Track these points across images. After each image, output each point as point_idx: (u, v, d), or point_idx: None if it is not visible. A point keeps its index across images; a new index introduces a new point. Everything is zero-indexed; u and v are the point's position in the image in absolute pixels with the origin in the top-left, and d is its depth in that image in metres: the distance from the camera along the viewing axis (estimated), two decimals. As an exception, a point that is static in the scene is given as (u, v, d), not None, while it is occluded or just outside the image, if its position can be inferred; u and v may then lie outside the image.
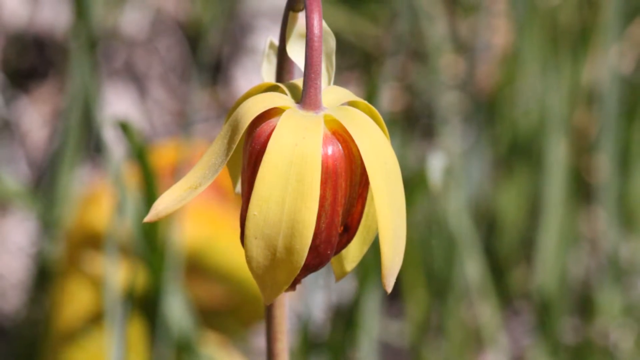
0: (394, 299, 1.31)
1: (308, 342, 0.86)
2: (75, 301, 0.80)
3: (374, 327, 0.89)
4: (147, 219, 0.21)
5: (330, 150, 0.22)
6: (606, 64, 1.05)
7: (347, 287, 0.97)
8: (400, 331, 1.18)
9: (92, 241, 0.77)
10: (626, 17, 1.10)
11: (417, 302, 1.10)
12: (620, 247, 1.09)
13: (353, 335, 0.85)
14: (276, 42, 0.26)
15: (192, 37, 1.40)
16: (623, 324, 1.03)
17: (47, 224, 0.90)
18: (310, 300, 0.88)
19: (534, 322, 1.11)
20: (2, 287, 1.06)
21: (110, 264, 0.63)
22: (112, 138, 0.70)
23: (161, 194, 0.22)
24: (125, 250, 0.68)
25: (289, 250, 0.20)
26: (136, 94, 1.40)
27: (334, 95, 0.23)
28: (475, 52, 1.13)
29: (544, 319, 1.09)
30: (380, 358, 1.10)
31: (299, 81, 0.23)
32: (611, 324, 1.01)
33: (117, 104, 1.33)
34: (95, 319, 0.78)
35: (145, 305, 0.70)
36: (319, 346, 0.85)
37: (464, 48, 1.20)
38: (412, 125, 1.30)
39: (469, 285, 1.07)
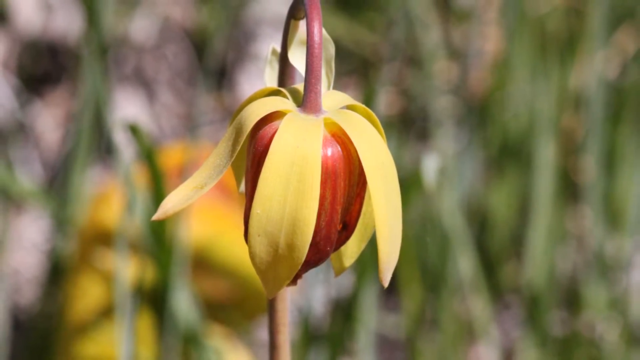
0: (391, 293, 1.30)
1: (309, 334, 0.85)
2: (86, 295, 0.80)
3: (371, 320, 0.89)
4: (155, 217, 0.21)
5: (329, 152, 0.22)
6: (592, 70, 1.05)
7: (345, 282, 0.97)
8: (396, 324, 1.18)
9: (103, 238, 0.77)
10: (611, 24, 1.10)
11: (412, 296, 1.10)
12: (606, 243, 1.09)
13: (351, 328, 0.85)
14: (278, 48, 0.26)
15: (198, 44, 1.40)
16: (608, 317, 1.03)
17: (60, 222, 0.90)
18: (311, 295, 0.88)
19: (524, 315, 1.11)
20: (18, 282, 1.06)
21: (120, 260, 0.63)
22: (122, 140, 0.71)
23: (169, 193, 0.22)
24: (134, 247, 0.68)
25: (291, 246, 0.20)
26: (145, 98, 1.40)
27: (333, 99, 0.23)
28: (467, 58, 1.13)
29: (533, 312, 1.09)
30: (377, 349, 1.09)
31: (300, 86, 0.23)
32: (597, 317, 1.01)
33: (127, 108, 1.33)
34: (106, 312, 0.78)
35: (154, 299, 0.70)
36: (319, 338, 0.85)
37: (457, 54, 1.20)
38: (407, 127, 1.30)
39: (461, 280, 1.07)
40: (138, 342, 0.70)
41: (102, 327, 0.78)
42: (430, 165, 0.68)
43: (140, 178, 0.68)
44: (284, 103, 0.22)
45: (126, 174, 0.63)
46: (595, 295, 1.07)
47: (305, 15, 0.21)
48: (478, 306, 1.00)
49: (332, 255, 0.26)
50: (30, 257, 1.06)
